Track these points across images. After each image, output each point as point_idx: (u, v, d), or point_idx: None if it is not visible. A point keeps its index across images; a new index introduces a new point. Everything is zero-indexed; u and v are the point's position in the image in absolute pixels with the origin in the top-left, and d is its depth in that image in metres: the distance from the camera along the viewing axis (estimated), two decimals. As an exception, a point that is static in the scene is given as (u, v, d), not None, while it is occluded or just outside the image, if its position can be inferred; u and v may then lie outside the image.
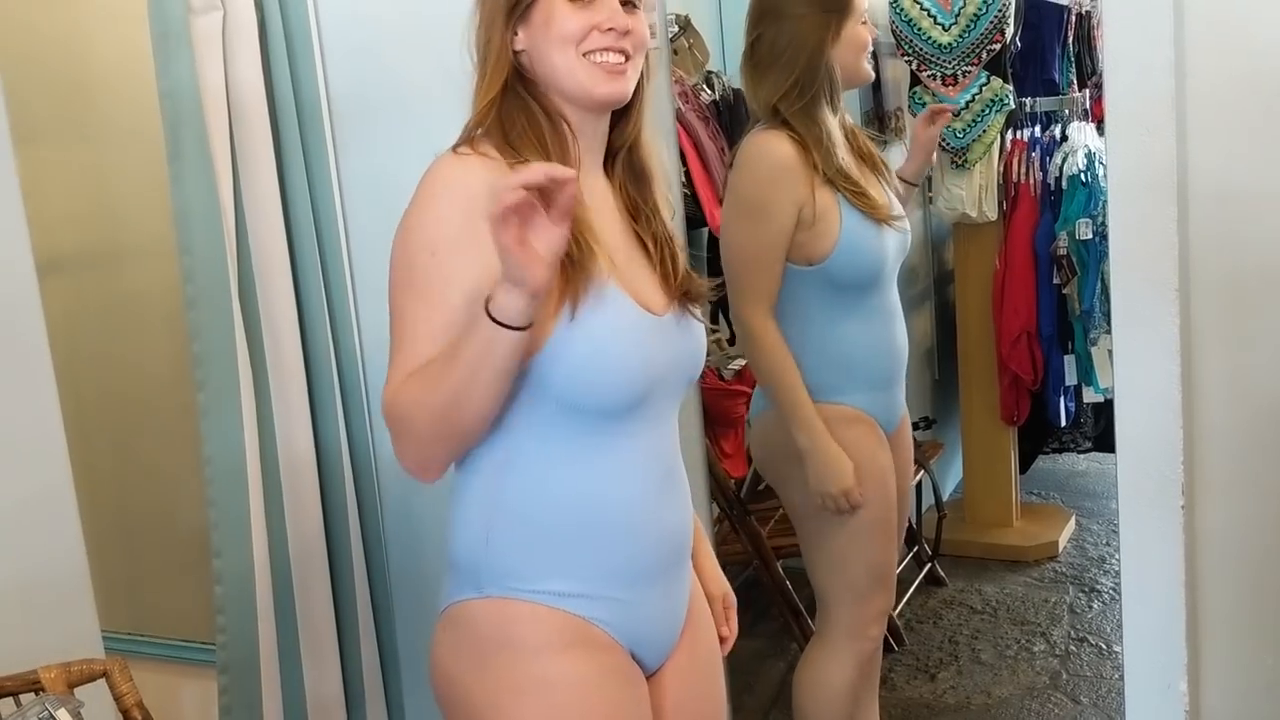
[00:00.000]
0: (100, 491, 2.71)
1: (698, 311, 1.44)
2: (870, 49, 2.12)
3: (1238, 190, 1.82)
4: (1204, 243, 1.84)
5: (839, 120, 2.10)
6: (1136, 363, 1.87)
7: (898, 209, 2.15)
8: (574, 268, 1.27)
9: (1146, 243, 1.82)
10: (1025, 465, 4.04)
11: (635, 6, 1.36)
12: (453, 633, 1.37)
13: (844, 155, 2.07)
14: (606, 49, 1.33)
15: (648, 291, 1.37)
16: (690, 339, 1.43)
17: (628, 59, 1.35)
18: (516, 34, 1.35)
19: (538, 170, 1.11)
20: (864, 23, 2.10)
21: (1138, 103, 1.80)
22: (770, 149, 2.05)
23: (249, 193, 2.08)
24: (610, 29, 1.32)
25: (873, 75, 2.18)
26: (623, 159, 1.43)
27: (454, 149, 1.32)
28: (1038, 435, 4.01)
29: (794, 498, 2.18)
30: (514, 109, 1.35)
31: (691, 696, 1.48)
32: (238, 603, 2.09)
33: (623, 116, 1.41)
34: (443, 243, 1.25)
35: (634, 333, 1.32)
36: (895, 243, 2.12)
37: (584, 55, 1.33)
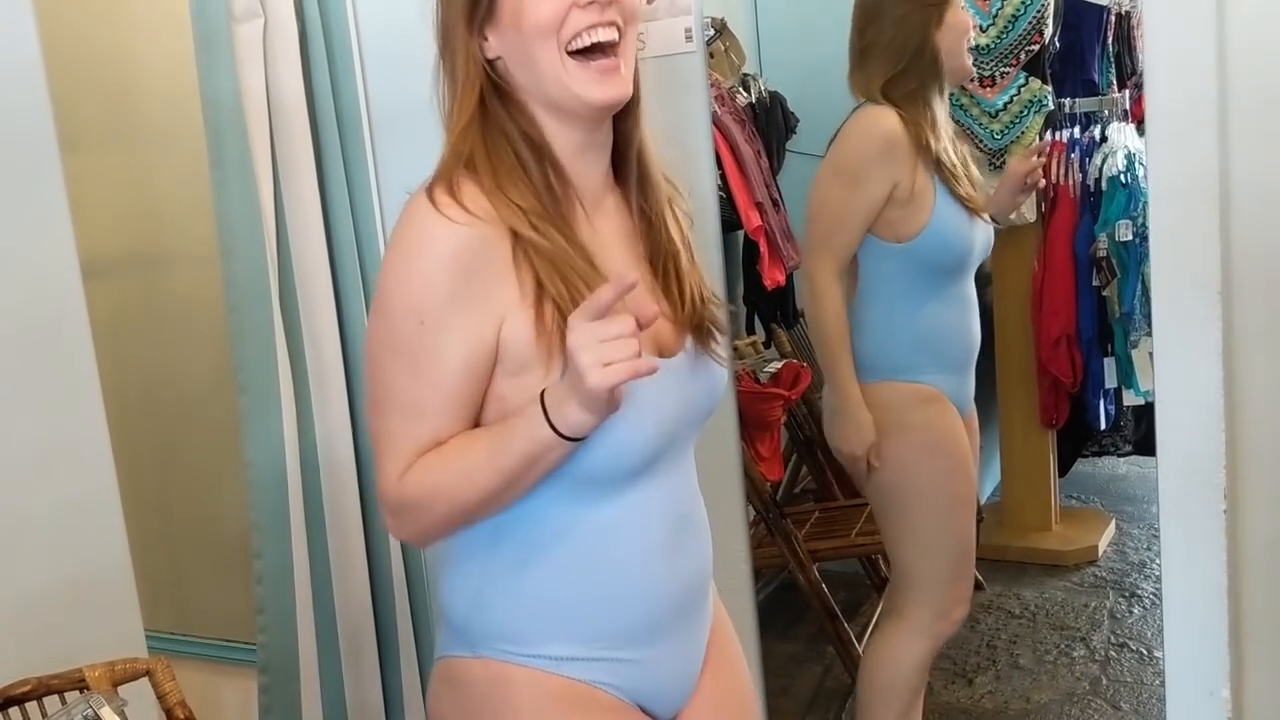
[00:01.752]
0: (145, 493, 2.75)
1: (718, 350, 1.28)
2: (971, 36, 2.15)
3: (1281, 192, 1.80)
4: (1247, 246, 1.82)
5: (946, 110, 2.16)
6: (1178, 366, 1.85)
7: (982, 198, 2.21)
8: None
9: (1188, 245, 1.80)
10: (1064, 468, 4.00)
11: None
12: (447, 688, 1.29)
13: (947, 143, 2.13)
14: (593, 25, 1.14)
15: (657, 328, 1.20)
16: (706, 382, 1.27)
17: (620, 35, 1.16)
18: (485, 39, 1.17)
19: (608, 297, 1.03)
20: (963, 7, 2.13)
21: (1179, 104, 1.78)
22: (879, 121, 2.10)
23: (289, 198, 2.10)
24: (590, 3, 1.13)
25: (972, 71, 2.22)
26: (631, 162, 1.26)
27: (431, 193, 1.14)
28: (1077, 438, 3.97)
29: (881, 475, 2.20)
30: (495, 136, 1.17)
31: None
32: (278, 603, 2.12)
33: (621, 111, 1.22)
34: (431, 312, 1.12)
35: (644, 389, 1.13)
36: (982, 235, 2.19)
37: (571, 52, 1.14)
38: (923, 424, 2.16)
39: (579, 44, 1.14)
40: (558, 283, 1.15)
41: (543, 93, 1.17)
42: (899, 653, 2.26)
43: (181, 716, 1.66)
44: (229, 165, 2.06)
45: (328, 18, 2.12)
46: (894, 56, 2.09)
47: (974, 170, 2.24)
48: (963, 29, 2.12)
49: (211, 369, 2.59)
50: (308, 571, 2.12)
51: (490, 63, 1.18)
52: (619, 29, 1.16)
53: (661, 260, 1.27)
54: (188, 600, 2.87)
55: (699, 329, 1.26)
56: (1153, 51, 1.81)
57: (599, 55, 1.16)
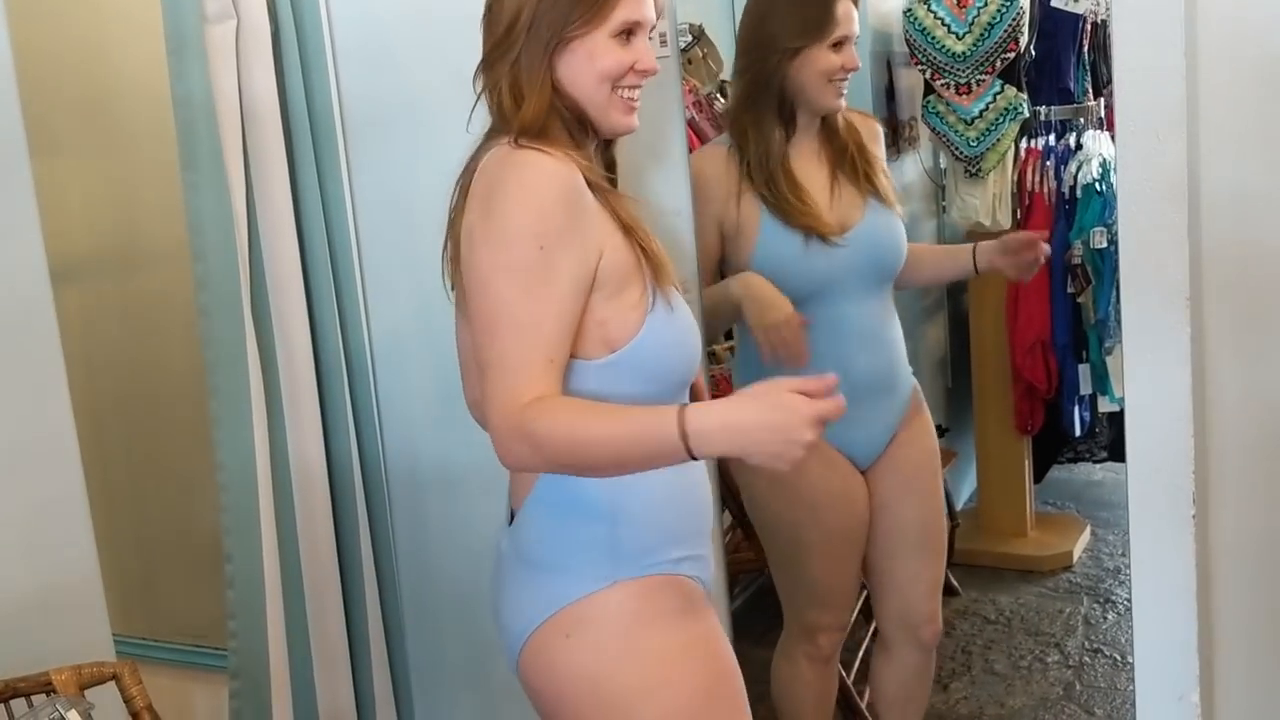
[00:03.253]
0: (116, 497, 2.74)
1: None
2: (839, 77, 2.08)
3: (1252, 199, 1.80)
4: (1216, 251, 1.83)
5: (815, 132, 2.11)
6: (1147, 371, 1.85)
7: (866, 226, 2.09)
8: (660, 271, 1.41)
9: (1157, 250, 1.81)
10: (1040, 475, 4.02)
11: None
12: (587, 630, 1.40)
13: (800, 168, 2.08)
14: (637, 86, 1.44)
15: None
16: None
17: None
18: (553, 57, 1.42)
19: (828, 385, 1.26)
20: (838, 47, 2.06)
21: (1148, 108, 1.79)
22: (695, 162, 2.12)
23: (262, 201, 2.09)
24: (644, 69, 1.43)
25: (839, 106, 2.11)
26: (599, 154, 1.51)
27: (519, 144, 1.37)
28: (1052, 445, 3.99)
29: (746, 503, 2.23)
30: (555, 119, 1.42)
31: None
32: (249, 608, 2.11)
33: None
34: (551, 236, 1.31)
35: (691, 317, 1.47)
36: (841, 260, 2.06)
37: (614, 90, 1.42)
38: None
39: (623, 95, 1.44)
40: (636, 219, 1.43)
41: (581, 108, 1.44)
42: (779, 668, 2.30)
43: (148, 720, 1.65)
44: (201, 167, 2.05)
45: (301, 19, 2.11)
46: (748, 86, 2.10)
47: (867, 177, 2.14)
48: (824, 69, 2.05)
49: (185, 372, 2.57)
50: (279, 575, 2.11)
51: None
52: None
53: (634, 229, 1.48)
54: (159, 605, 2.85)
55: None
56: (1122, 55, 1.81)
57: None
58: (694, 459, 1.28)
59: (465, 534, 2.28)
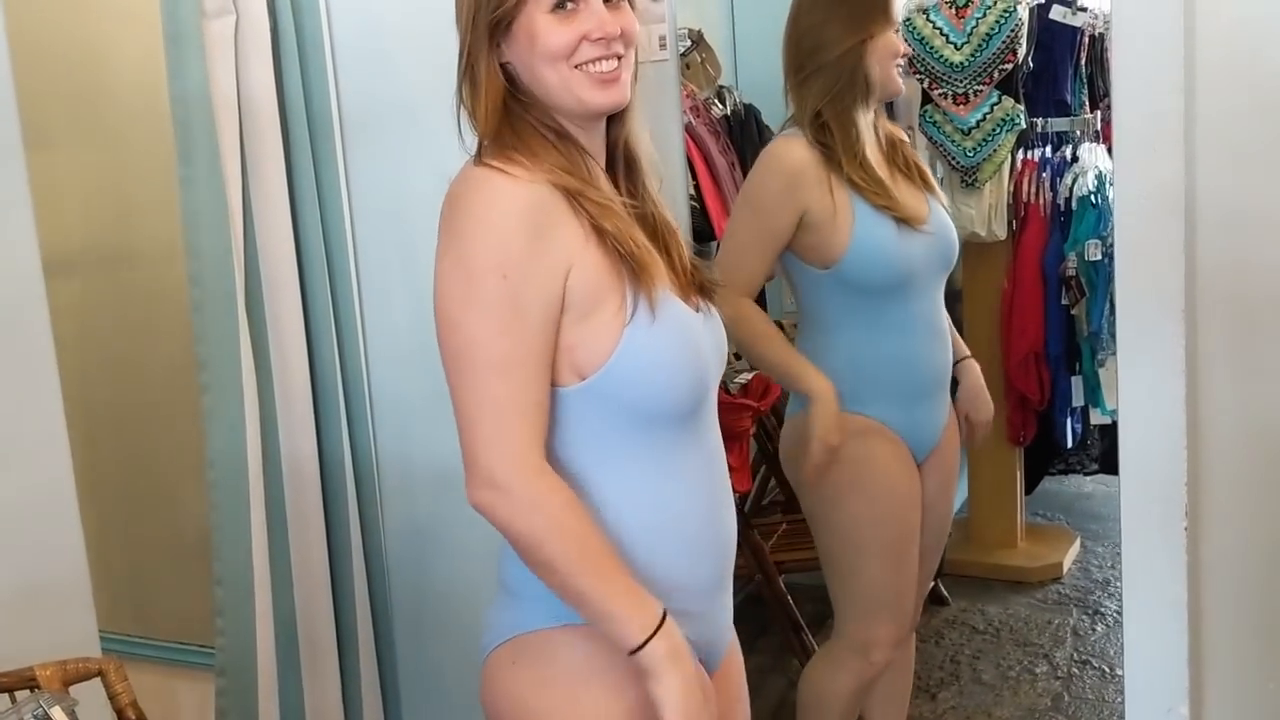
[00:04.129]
0: (106, 492, 2.72)
1: (715, 306, 1.42)
2: (900, 59, 2.13)
3: (1248, 214, 1.81)
4: (1212, 266, 1.83)
5: (874, 125, 2.13)
6: (1141, 384, 1.85)
7: (936, 217, 2.13)
8: (641, 274, 1.27)
9: (1153, 263, 1.81)
10: (1031, 486, 4.02)
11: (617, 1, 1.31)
12: (532, 664, 1.32)
13: (874, 158, 2.09)
14: (599, 58, 1.28)
15: (675, 288, 1.35)
16: (717, 331, 1.41)
17: (619, 59, 1.30)
18: (499, 47, 1.30)
19: None
20: (896, 32, 2.13)
21: (1146, 121, 1.79)
22: (785, 152, 2.08)
23: (258, 197, 2.09)
24: (600, 38, 1.28)
25: (902, 89, 2.18)
26: (620, 154, 1.39)
27: (483, 164, 1.27)
28: (1044, 456, 3.99)
29: (815, 504, 2.17)
30: (520, 123, 1.31)
31: (731, 700, 1.48)
32: (237, 606, 2.09)
33: (615, 115, 1.36)
34: (513, 264, 1.22)
35: (689, 330, 1.32)
36: (925, 248, 2.09)
37: (575, 67, 1.28)
38: (851, 458, 2.06)
39: (587, 69, 1.28)
40: (614, 221, 1.29)
41: (550, 100, 1.31)
42: (821, 677, 2.24)
43: (133, 718, 1.64)
44: (197, 163, 2.04)
45: (300, 16, 2.11)
46: (829, 82, 2.07)
47: (924, 177, 2.19)
48: (892, 52, 2.10)
49: (177, 368, 2.57)
50: (268, 574, 2.10)
51: (502, 65, 1.32)
52: (619, 56, 1.30)
53: (661, 234, 1.38)
54: (147, 602, 2.84)
55: (702, 288, 1.40)
56: (1120, 68, 1.82)
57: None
58: (628, 651, 1.23)
59: (457, 534, 2.27)
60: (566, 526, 1.23)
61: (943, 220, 2.16)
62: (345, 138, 2.21)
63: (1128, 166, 1.82)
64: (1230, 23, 1.76)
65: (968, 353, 2.31)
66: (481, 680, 1.39)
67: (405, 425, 2.30)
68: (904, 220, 2.06)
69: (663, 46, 2.02)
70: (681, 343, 1.30)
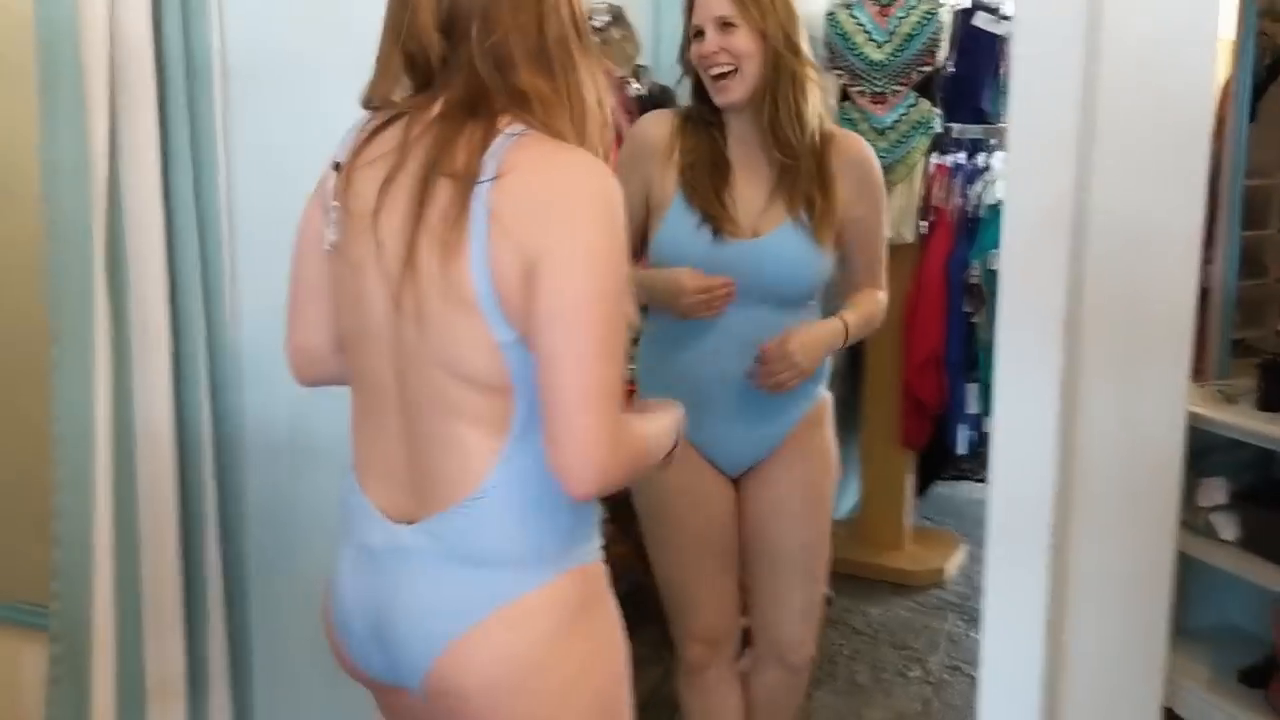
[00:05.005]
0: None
1: None
2: (704, 67, 1.99)
3: (1140, 233, 1.80)
4: (1100, 281, 1.81)
5: (763, 127, 2.00)
6: (1016, 395, 1.84)
7: (778, 239, 2.01)
8: None
9: (1036, 275, 1.79)
10: (923, 489, 4.04)
11: None
12: (532, 622, 1.34)
13: (734, 159, 2.01)
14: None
15: None
16: None
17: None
18: None
19: None
20: (698, 36, 1.99)
21: (1039, 133, 1.77)
22: (643, 122, 2.08)
23: (125, 143, 1.97)
24: None
25: (720, 99, 2.00)
26: None
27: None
28: (938, 461, 4.01)
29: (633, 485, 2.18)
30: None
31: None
32: (74, 568, 1.99)
33: None
34: (621, 254, 1.28)
35: None
36: (740, 263, 1.98)
37: None
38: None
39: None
40: None
41: None
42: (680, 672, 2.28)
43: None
44: (60, 100, 1.91)
45: (184, -47, 2.00)
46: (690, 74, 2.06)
47: (798, 203, 2.02)
48: (698, 55, 1.98)
49: (29, 315, 2.44)
50: (111, 536, 2.00)
51: None
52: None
53: None
54: (-3, 559, 2.71)
55: None
56: (1018, 78, 1.79)
57: None
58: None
59: (327, 508, 2.18)
60: (636, 450, 1.34)
61: (788, 245, 2.01)
62: (227, 91, 2.10)
63: (1019, 177, 1.80)
64: (1137, 41, 1.74)
65: (848, 321, 2.19)
66: (450, 664, 1.33)
67: (277, 391, 2.20)
68: (721, 229, 1.97)
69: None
70: None
